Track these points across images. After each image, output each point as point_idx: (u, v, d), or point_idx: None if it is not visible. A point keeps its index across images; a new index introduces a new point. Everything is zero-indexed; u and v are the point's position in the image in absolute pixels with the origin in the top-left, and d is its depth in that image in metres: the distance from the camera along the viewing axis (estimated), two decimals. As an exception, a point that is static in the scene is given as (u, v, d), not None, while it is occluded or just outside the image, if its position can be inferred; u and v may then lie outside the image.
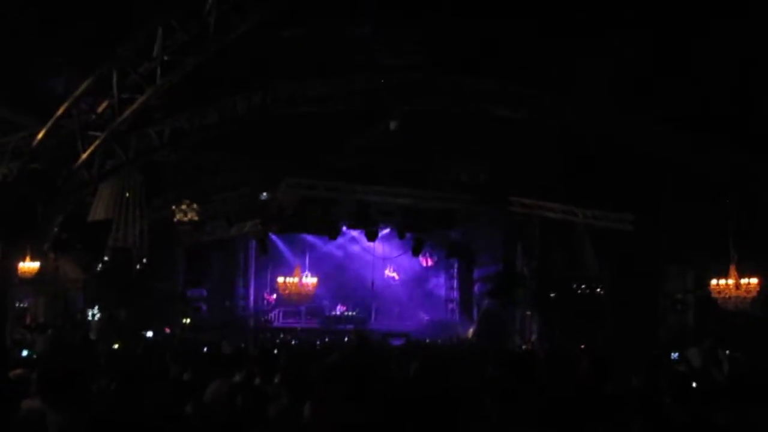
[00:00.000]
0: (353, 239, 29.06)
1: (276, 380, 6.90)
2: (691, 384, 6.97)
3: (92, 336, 17.51)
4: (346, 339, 22.23)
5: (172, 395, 6.18)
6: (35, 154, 12.12)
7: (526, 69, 15.43)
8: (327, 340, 23.55)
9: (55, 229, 13.22)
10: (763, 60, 13.02)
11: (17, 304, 16.21)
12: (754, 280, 15.87)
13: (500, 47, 14.64)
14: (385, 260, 30.30)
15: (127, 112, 11.59)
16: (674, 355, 10.65)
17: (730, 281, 16.07)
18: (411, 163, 20.75)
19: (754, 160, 15.77)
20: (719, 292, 16.18)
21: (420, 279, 31.56)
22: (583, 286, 22.17)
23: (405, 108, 16.39)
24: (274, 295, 30.53)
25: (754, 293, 15.93)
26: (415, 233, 24.36)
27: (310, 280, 29.38)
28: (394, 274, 31.41)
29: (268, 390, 6.19)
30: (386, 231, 26.31)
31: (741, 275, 16.04)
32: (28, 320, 16.26)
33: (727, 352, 11.75)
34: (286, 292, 29.29)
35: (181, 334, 22.54)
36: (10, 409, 3.87)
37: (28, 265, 16.07)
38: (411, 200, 21.27)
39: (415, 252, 26.04)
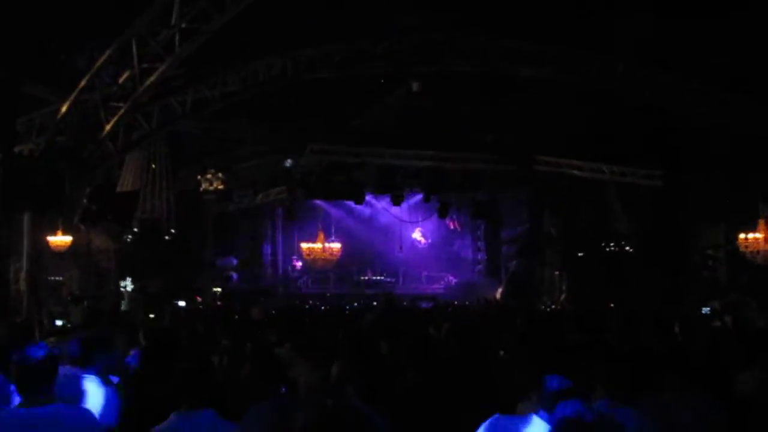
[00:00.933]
0: (379, 203, 29.02)
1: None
2: (725, 340, 6.90)
3: (124, 307, 17.82)
4: (374, 303, 22.35)
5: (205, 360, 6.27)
6: (60, 127, 12.22)
7: (551, 27, 15.15)
8: (356, 305, 23.71)
9: (84, 201, 13.38)
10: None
11: (52, 278, 16.53)
12: (783, 234, 15.70)
13: (523, 5, 14.38)
14: (411, 224, 30.26)
15: (148, 82, 11.61)
16: (705, 310, 10.55)
17: (759, 235, 15.90)
18: (435, 125, 20.57)
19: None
20: (747, 246, 16.03)
21: (446, 242, 31.51)
22: (612, 245, 21.98)
23: (427, 70, 16.20)
24: (300, 262, 30.74)
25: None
26: (441, 196, 24.26)
27: (333, 245, 29.52)
28: (422, 238, 31.40)
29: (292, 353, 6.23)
30: (411, 194, 26.25)
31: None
32: (64, 293, 16.59)
33: None
34: (311, 257, 29.49)
35: (212, 303, 22.86)
36: (51, 375, 3.95)
37: (61, 239, 16.34)
38: (436, 162, 21.14)
39: (442, 215, 25.96)
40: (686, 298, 17.69)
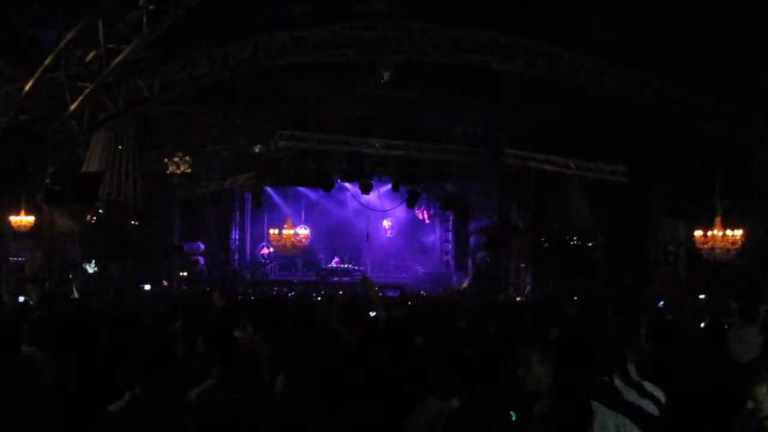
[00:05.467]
0: (348, 192, 29.03)
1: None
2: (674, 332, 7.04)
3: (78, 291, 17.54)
4: (340, 292, 22.35)
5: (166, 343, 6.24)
6: (24, 106, 12.02)
7: (521, 19, 15.27)
8: (323, 292, 23.68)
9: (47, 182, 13.18)
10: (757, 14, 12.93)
11: (14, 258, 16.27)
12: (738, 232, 15.99)
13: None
14: (380, 213, 30.31)
15: (115, 62, 11.46)
16: (660, 303, 10.76)
17: (715, 232, 16.19)
18: (405, 115, 20.62)
19: (744, 112, 15.78)
20: (704, 243, 16.30)
21: (415, 232, 31.65)
22: (576, 238, 22.28)
23: (398, 58, 16.22)
24: (270, 248, 30.65)
25: (739, 244, 16.05)
26: (410, 186, 24.34)
27: (302, 231, 29.48)
28: (388, 226, 31.49)
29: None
30: (381, 183, 26.29)
31: (727, 227, 16.15)
32: (27, 273, 16.33)
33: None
34: (279, 243, 29.44)
35: (177, 287, 22.72)
36: (10, 354, 3.93)
37: (24, 219, 16.09)
38: (405, 152, 21.21)
39: (410, 204, 26.06)
40: (647, 293, 18.02)
